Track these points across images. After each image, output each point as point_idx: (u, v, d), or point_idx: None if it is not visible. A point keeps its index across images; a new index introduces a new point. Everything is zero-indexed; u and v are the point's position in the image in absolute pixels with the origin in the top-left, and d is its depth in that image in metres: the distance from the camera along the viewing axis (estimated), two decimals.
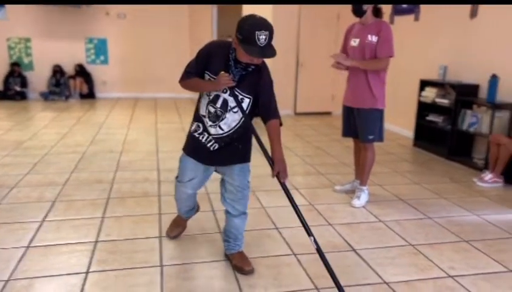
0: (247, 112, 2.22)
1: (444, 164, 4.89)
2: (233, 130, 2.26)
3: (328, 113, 7.92)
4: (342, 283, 2.33)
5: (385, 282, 2.38)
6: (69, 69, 9.24)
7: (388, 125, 5.80)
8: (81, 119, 6.97)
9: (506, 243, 2.92)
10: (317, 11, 7.68)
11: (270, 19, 7.96)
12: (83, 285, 2.26)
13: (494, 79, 4.46)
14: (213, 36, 9.07)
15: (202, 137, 2.31)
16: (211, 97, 2.23)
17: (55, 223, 3.01)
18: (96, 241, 2.75)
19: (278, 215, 3.28)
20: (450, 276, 2.46)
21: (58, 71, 9.04)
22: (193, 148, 2.38)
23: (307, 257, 2.63)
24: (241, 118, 2.23)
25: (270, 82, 2.25)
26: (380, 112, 3.46)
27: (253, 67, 2.13)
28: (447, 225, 3.17)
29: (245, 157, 2.39)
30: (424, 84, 5.48)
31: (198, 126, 2.33)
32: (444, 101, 5.14)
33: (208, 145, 2.31)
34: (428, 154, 5.32)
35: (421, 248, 2.79)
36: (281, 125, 2.28)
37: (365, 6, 3.27)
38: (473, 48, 4.98)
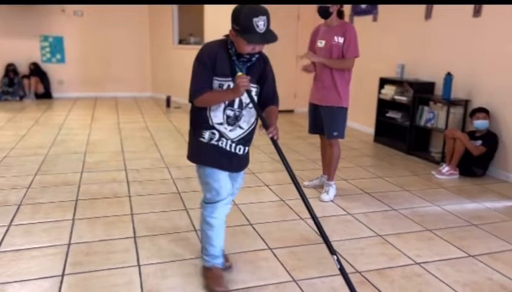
0: (256, 102, 2.13)
1: (403, 158, 5.13)
2: (253, 126, 2.19)
3: (291, 111, 8.07)
4: (316, 274, 2.45)
5: (357, 271, 2.49)
6: (23, 68, 8.86)
7: (350, 122, 6.00)
8: (39, 120, 6.72)
9: (465, 230, 3.13)
10: (277, 12, 7.77)
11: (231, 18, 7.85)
12: (59, 288, 2.22)
13: (448, 77, 4.73)
14: (174, 35, 8.98)
15: (222, 143, 2.13)
16: (226, 101, 2.09)
17: (22, 227, 2.92)
18: (69, 244, 2.70)
19: (251, 211, 3.34)
20: (417, 263, 2.61)
21: (11, 70, 8.65)
22: (217, 156, 2.15)
23: (282, 250, 2.71)
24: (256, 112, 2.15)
25: (272, 69, 2.21)
26: (345, 110, 3.59)
27: (256, 56, 2.05)
28: (411, 216, 3.35)
29: (248, 162, 2.35)
30: (383, 82, 5.72)
31: (213, 134, 2.12)
32: (403, 99, 5.38)
33: (233, 149, 2.17)
34: (389, 149, 5.56)
35: (388, 238, 2.94)
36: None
37: (331, 9, 3.38)
38: (429, 47, 5.24)
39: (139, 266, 2.47)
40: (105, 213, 3.21)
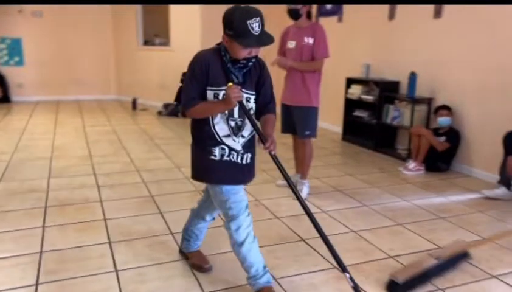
0: (254, 109, 2.08)
1: (371, 156, 5.27)
2: (253, 133, 2.10)
3: None
4: (295, 271, 2.48)
5: (335, 267, 2.54)
6: None
7: (319, 122, 6.08)
8: None
9: (433, 223, 3.25)
10: None
11: (198, 20, 7.95)
12: None
13: (412, 76, 4.90)
14: (138, 36, 8.83)
15: (233, 157, 2.06)
16: (226, 112, 2.00)
17: None
18: (41, 252, 2.61)
19: None
20: (391, 257, 2.69)
21: None
22: (232, 172, 2.08)
23: (260, 249, 2.71)
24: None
25: (269, 73, 2.12)
26: (316, 110, 3.66)
27: (253, 61, 1.97)
28: (382, 211, 3.45)
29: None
30: (350, 81, 5.85)
31: (223, 149, 2.04)
32: (369, 98, 5.53)
33: (244, 161, 2.10)
34: (357, 147, 5.69)
35: (362, 233, 3.01)
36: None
37: (301, 10, 3.44)
38: (393, 47, 5.41)
39: (116, 271, 2.42)
40: (76, 219, 3.12)
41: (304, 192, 3.67)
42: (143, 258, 2.58)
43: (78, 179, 4.01)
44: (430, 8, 4.80)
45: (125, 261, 2.53)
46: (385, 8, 5.44)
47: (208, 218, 2.42)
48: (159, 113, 7.69)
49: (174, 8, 8.06)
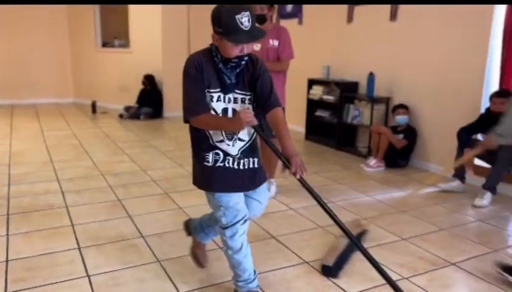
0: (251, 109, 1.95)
1: (334, 154, 5.43)
2: (254, 137, 2.02)
3: None
4: (268, 268, 2.55)
5: (305, 262, 2.63)
6: None
7: None
8: None
9: (395, 216, 3.42)
10: (204, 13, 7.81)
11: (159, 21, 7.87)
12: None
13: (371, 77, 5.10)
14: (96, 38, 8.64)
15: (228, 162, 1.98)
16: (220, 115, 1.92)
17: None
18: (7, 261, 2.53)
19: (196, 213, 3.30)
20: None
21: None
22: (226, 179, 1.99)
23: None
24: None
25: (266, 68, 1.98)
26: (282, 110, 3.74)
27: (246, 59, 1.86)
28: (347, 206, 3.58)
29: (265, 175, 2.18)
30: (311, 82, 6.00)
31: (217, 154, 1.97)
32: (330, 98, 5.70)
33: (241, 166, 2.00)
34: (320, 146, 5.85)
35: (329, 229, 3.12)
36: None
37: (267, 15, 3.52)
38: (352, 49, 5.61)
39: (88, 276, 2.40)
40: (42, 226, 3.05)
41: (272, 191, 3.75)
42: (115, 262, 2.57)
43: (40, 185, 3.90)
44: (386, 11, 5.02)
45: (97, 266, 2.51)
46: (344, 11, 5.62)
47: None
48: (120, 116, 7.56)
49: (133, 9, 7.95)
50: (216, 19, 1.77)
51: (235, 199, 2.00)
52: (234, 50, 1.79)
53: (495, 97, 3.82)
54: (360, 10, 5.43)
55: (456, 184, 3.98)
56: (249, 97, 1.95)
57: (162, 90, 7.76)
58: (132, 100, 7.75)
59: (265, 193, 2.20)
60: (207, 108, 1.89)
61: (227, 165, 1.99)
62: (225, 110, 1.93)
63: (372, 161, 4.78)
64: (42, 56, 8.94)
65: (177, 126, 7.06)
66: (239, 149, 1.98)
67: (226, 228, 2.03)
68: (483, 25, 4.06)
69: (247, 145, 2.00)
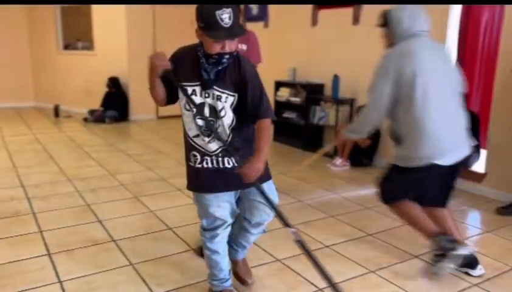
0: (233, 110, 1.92)
1: (301, 154, 5.55)
2: (230, 137, 1.95)
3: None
4: None
5: (278, 260, 2.71)
6: None
7: None
8: None
9: (361, 213, 3.56)
10: (170, 13, 7.78)
11: (123, 22, 7.69)
12: None
13: (335, 79, 5.25)
14: (58, 40, 8.43)
15: (207, 163, 1.97)
16: (194, 109, 1.90)
17: None
18: None
19: (167, 216, 3.37)
20: (326, 246, 2.92)
21: None
22: (207, 179, 1.99)
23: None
24: (233, 120, 1.93)
25: (256, 73, 1.94)
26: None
27: (227, 57, 1.82)
28: (315, 205, 3.69)
29: (268, 174, 2.07)
30: (278, 85, 6.11)
31: (194, 156, 1.98)
32: (297, 100, 5.82)
33: (221, 164, 1.97)
34: (287, 147, 5.96)
35: (299, 227, 3.21)
36: (273, 122, 1.96)
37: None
38: (317, 52, 5.75)
39: (60, 282, 2.38)
40: (9, 233, 2.98)
41: None
42: (88, 266, 2.55)
43: (4, 192, 3.79)
44: (349, 15, 5.18)
45: (68, 272, 2.49)
46: (308, 14, 5.76)
47: (259, 219, 2.14)
48: (85, 120, 7.41)
49: (96, 10, 7.81)
50: (198, 14, 1.77)
51: (216, 203, 2.00)
52: (215, 47, 1.77)
53: None
54: (324, 13, 5.58)
55: None
56: (231, 97, 1.90)
57: (127, 93, 7.67)
58: (96, 103, 7.61)
59: (269, 193, 2.02)
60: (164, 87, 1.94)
61: (205, 166, 1.98)
62: (201, 105, 1.91)
63: (338, 160, 4.93)
64: None
65: (144, 130, 7.01)
66: (219, 147, 1.94)
67: (206, 230, 2.09)
68: (440, 30, 4.28)
69: (232, 141, 1.95)
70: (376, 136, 4.94)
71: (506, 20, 3.79)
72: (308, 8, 5.73)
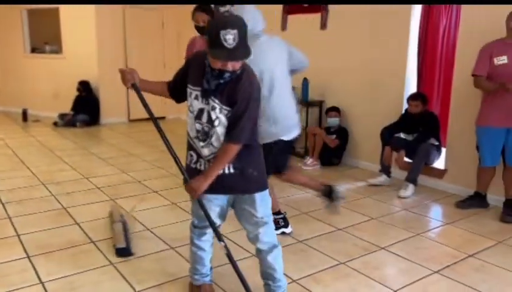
0: (220, 122, 1.93)
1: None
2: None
3: (162, 117, 8.15)
4: (215, 263, 2.70)
5: (253, 255, 2.82)
6: None
7: None
8: None
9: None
10: (141, 17, 7.79)
11: (93, 24, 7.60)
12: None
13: (305, 82, 5.44)
14: (25, 43, 8.28)
15: (200, 165, 2.02)
16: (195, 113, 1.97)
17: None
18: None
19: (145, 217, 3.44)
20: (300, 241, 3.07)
21: None
22: (191, 178, 2.02)
23: (184, 248, 2.90)
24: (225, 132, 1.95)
25: (249, 96, 1.89)
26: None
27: (229, 74, 1.83)
28: (288, 203, 3.84)
29: (263, 184, 2.08)
30: None
31: (191, 155, 2.06)
32: None
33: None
34: None
35: None
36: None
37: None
38: None
39: (42, 283, 2.43)
40: None
41: None
42: (68, 267, 2.61)
43: None
44: (317, 20, 5.39)
45: (49, 273, 2.54)
46: (278, 20, 5.93)
47: (261, 246, 2.14)
48: (55, 124, 7.32)
49: (64, 12, 7.71)
50: (207, 28, 1.81)
51: (207, 205, 2.04)
52: (216, 63, 1.80)
53: (410, 100, 4.29)
54: (293, 18, 5.77)
55: (383, 178, 4.41)
56: (226, 111, 1.91)
57: (98, 97, 7.63)
58: (66, 108, 7.53)
59: (258, 205, 2.05)
60: (169, 82, 2.12)
61: (198, 167, 2.03)
62: (201, 110, 1.94)
63: (309, 160, 5.12)
64: None
65: (116, 133, 6.99)
66: (211, 153, 1.98)
67: (195, 227, 2.22)
68: (402, 33, 4.53)
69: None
70: (344, 136, 5.15)
71: (462, 26, 4.07)
72: (278, 13, 5.91)
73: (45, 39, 8.41)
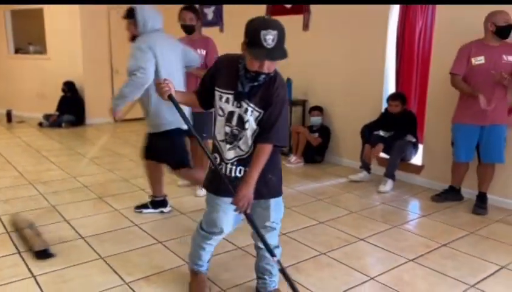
0: (257, 124, 1.98)
1: None
2: (252, 149, 2.01)
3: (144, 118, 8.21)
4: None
5: (238, 248, 2.96)
6: None
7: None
8: None
9: (314, 204, 3.87)
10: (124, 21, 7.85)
11: (77, 24, 7.59)
12: None
13: (288, 82, 5.57)
14: (8, 44, 8.25)
15: (222, 168, 2.05)
16: (226, 115, 2.00)
17: None
18: None
19: (133, 214, 3.53)
20: (283, 234, 3.19)
21: None
22: (217, 181, 2.06)
23: (171, 242, 3.01)
24: (254, 132, 1.99)
25: (283, 98, 1.97)
26: (211, 114, 4.04)
27: (264, 76, 1.88)
28: None
29: (279, 190, 2.14)
30: None
31: (215, 158, 2.07)
32: None
33: (233, 173, 2.04)
34: None
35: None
36: (282, 147, 2.04)
37: (196, 26, 3.81)
38: None
39: (34, 276, 2.51)
40: None
41: (201, 193, 4.02)
42: (59, 262, 2.69)
43: None
44: (299, 21, 5.53)
45: (40, 268, 2.61)
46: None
47: (261, 245, 2.18)
48: (40, 124, 7.33)
49: (49, 13, 7.72)
50: (246, 29, 1.85)
51: (221, 209, 2.09)
52: (253, 64, 1.84)
53: (390, 100, 4.46)
54: (275, 19, 5.90)
55: (363, 174, 4.57)
56: (257, 112, 1.96)
57: (83, 97, 7.65)
58: (51, 108, 7.53)
59: (272, 210, 2.13)
60: (198, 91, 2.16)
61: (222, 170, 2.05)
62: (231, 113, 1.99)
63: (292, 158, 5.26)
64: None
65: (101, 133, 7.02)
66: (236, 156, 2.03)
67: (203, 230, 2.23)
68: (380, 34, 4.70)
69: (245, 155, 2.02)
70: (326, 135, 5.31)
71: (437, 27, 4.25)
72: (261, 14, 6.03)
73: (29, 40, 8.39)
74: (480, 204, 3.72)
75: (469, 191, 3.95)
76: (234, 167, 2.04)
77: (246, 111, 1.95)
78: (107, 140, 3.77)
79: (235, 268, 2.69)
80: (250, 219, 2.02)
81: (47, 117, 7.42)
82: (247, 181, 1.94)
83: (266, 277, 2.29)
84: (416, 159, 4.54)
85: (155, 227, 3.27)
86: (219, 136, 2.05)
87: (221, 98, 2.01)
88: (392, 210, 3.78)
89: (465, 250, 2.99)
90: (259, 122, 1.97)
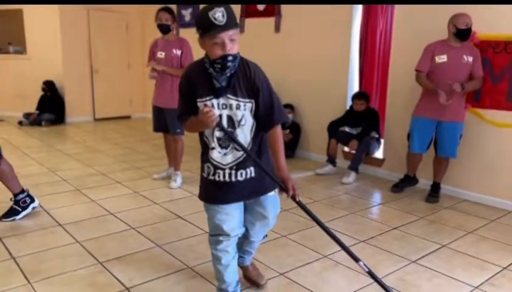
0: (253, 116, 1.96)
1: None
2: (250, 146, 1.98)
3: (128, 117, 8.38)
4: (175, 239, 3.05)
5: (205, 232, 3.19)
6: None
7: None
8: None
9: (283, 196, 4.13)
10: (106, 22, 8.02)
11: (57, 24, 7.70)
12: None
13: None
14: None
15: (219, 176, 2.00)
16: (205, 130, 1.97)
17: None
18: None
19: (108, 204, 3.74)
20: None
21: None
22: (215, 190, 2.03)
23: (144, 228, 3.24)
24: (252, 126, 1.97)
25: (265, 78, 1.97)
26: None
27: (231, 60, 1.83)
28: None
29: (273, 183, 2.06)
30: None
31: (208, 168, 2.02)
32: None
33: (233, 178, 2.00)
34: None
35: None
36: (285, 127, 2.09)
37: (172, 26, 4.05)
38: (244, 56, 6.30)
39: (14, 258, 2.71)
40: None
41: (178, 181, 4.26)
42: (37, 245, 2.90)
43: None
44: (271, 23, 5.81)
45: (19, 250, 2.82)
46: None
47: (255, 237, 2.27)
48: (20, 123, 7.45)
49: (28, 13, 7.84)
50: (196, 23, 1.85)
51: (223, 212, 2.03)
52: (216, 50, 1.80)
53: (355, 99, 4.76)
54: (250, 22, 6.17)
55: (329, 167, 4.86)
56: (249, 103, 1.93)
57: (63, 96, 7.79)
58: (31, 107, 7.66)
59: (270, 207, 2.14)
60: (191, 113, 1.94)
61: (217, 179, 2.01)
62: (219, 116, 1.90)
63: None
64: None
65: (81, 131, 7.19)
66: (236, 159, 1.98)
67: (211, 236, 2.12)
68: (345, 36, 5.00)
69: (243, 156, 1.98)
70: (297, 131, 5.59)
71: (395, 28, 4.58)
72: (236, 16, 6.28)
73: (9, 40, 8.48)
74: (433, 193, 4.04)
75: (425, 182, 4.26)
76: (234, 172, 2.00)
77: (238, 107, 1.92)
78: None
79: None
80: (303, 205, 1.99)
81: (27, 115, 7.54)
82: (281, 168, 1.99)
83: (245, 255, 2.41)
84: (378, 153, 4.85)
85: (129, 215, 3.50)
86: (211, 144, 1.99)
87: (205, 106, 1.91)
88: (353, 199, 4.08)
89: (413, 232, 3.29)
90: (256, 112, 1.95)
